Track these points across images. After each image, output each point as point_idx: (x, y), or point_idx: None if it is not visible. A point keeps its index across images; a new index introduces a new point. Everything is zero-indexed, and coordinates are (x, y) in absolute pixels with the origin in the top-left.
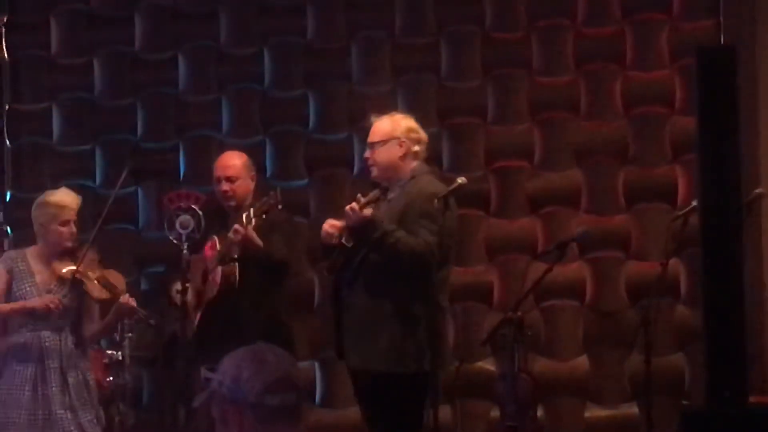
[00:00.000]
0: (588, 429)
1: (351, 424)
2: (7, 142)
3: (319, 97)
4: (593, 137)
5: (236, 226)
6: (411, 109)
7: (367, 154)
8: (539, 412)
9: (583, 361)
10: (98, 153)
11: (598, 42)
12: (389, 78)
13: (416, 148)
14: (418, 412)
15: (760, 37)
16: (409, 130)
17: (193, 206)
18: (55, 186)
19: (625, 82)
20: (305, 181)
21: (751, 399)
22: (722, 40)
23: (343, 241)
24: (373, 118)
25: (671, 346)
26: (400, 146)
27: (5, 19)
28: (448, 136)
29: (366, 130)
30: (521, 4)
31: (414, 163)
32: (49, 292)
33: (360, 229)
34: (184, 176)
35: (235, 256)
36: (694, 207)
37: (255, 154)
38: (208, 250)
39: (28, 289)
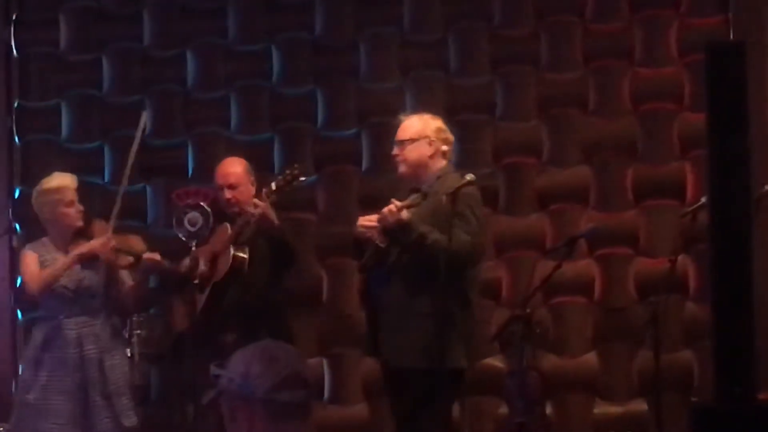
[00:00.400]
0: (597, 425)
1: (359, 420)
2: (16, 139)
3: (328, 94)
4: (602, 133)
5: (255, 200)
6: (419, 106)
7: (396, 151)
8: (548, 409)
9: (591, 358)
10: (107, 150)
11: (607, 38)
12: (397, 75)
13: (444, 147)
14: (450, 408)
15: None
16: (439, 130)
17: (201, 203)
18: None
19: (633, 79)
20: (314, 177)
21: (761, 396)
22: (731, 35)
23: (377, 241)
24: (401, 116)
25: (680, 342)
26: (430, 145)
27: (14, 16)
28: (456, 133)
29: (375, 126)
30: (529, 0)
31: (441, 163)
32: (73, 274)
33: (396, 232)
34: (192, 173)
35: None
36: (703, 203)
37: (263, 151)
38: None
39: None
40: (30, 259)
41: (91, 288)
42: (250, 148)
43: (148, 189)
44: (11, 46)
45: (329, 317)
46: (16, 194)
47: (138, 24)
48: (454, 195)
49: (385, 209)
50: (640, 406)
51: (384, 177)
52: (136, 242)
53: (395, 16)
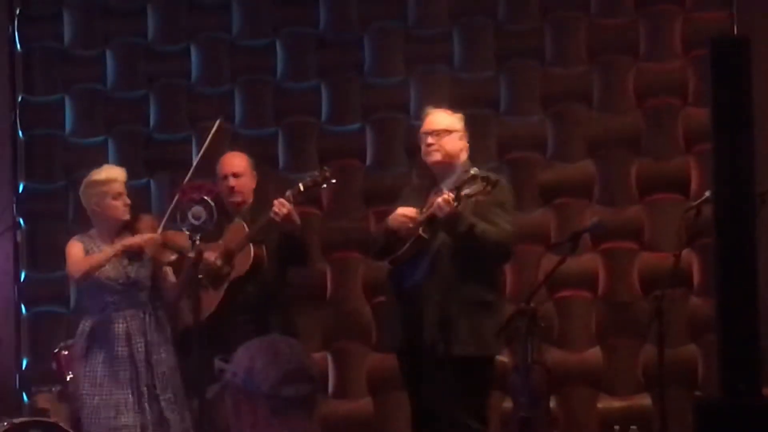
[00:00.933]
0: (601, 420)
1: (364, 414)
2: (20, 134)
3: (332, 89)
4: (606, 128)
5: (281, 200)
6: (424, 100)
7: (432, 140)
8: (552, 403)
9: (596, 352)
10: (111, 144)
11: (611, 33)
12: (402, 69)
13: (467, 143)
14: (488, 396)
15: None
16: (463, 125)
17: (205, 197)
18: (69, 177)
19: (638, 74)
20: (317, 172)
21: (765, 391)
22: (735, 30)
23: (421, 232)
24: (428, 109)
25: (684, 337)
26: (461, 139)
27: (18, 11)
28: None
29: (379, 121)
30: None
31: (465, 157)
32: (121, 267)
33: (449, 223)
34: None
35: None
36: (708, 198)
37: (267, 146)
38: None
39: (105, 268)
40: (75, 248)
41: (138, 281)
42: (255, 142)
43: (152, 183)
44: (15, 40)
45: (333, 312)
46: (20, 189)
47: (142, 18)
48: (458, 189)
49: (440, 199)
50: (645, 400)
51: (388, 172)
52: (182, 238)
53: (400, 11)
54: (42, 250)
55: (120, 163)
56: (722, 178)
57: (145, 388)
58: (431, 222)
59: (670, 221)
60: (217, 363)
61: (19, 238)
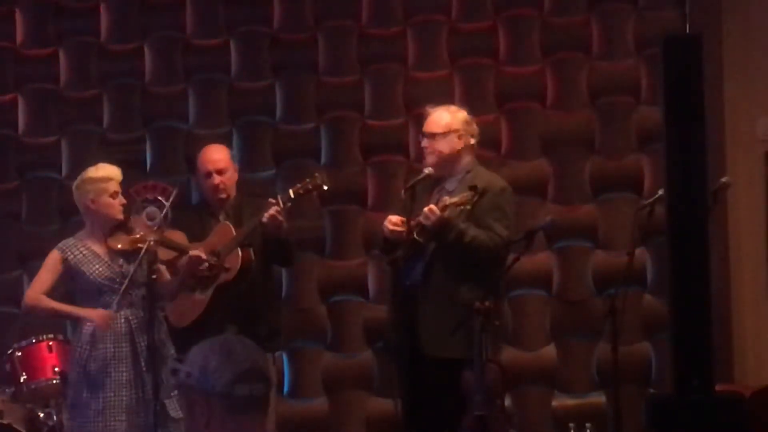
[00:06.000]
0: (556, 418)
1: (319, 414)
2: None
3: (286, 88)
4: (559, 127)
5: (277, 208)
6: (378, 99)
7: (426, 143)
8: (507, 402)
9: (550, 351)
10: (64, 144)
11: (564, 31)
12: (357, 68)
13: (472, 141)
14: None
15: (726, 26)
16: (467, 122)
17: (159, 197)
18: (22, 177)
19: (591, 72)
20: (272, 171)
21: (718, 387)
22: (688, 29)
23: (415, 235)
24: (429, 108)
25: (638, 335)
26: (459, 139)
27: None
28: (414, 128)
29: (334, 121)
30: None
31: (469, 157)
32: (116, 267)
33: (437, 230)
34: (150, 167)
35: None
36: (661, 196)
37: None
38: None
39: (99, 269)
40: (47, 268)
41: (135, 280)
42: (209, 141)
43: None
44: None
45: (289, 311)
46: None
47: (95, 17)
48: (413, 188)
49: (426, 209)
50: (599, 398)
51: (343, 171)
52: (179, 237)
53: (354, 10)
54: None
55: (73, 163)
56: (674, 176)
57: (149, 388)
58: (424, 226)
59: (624, 220)
60: (171, 363)
61: None
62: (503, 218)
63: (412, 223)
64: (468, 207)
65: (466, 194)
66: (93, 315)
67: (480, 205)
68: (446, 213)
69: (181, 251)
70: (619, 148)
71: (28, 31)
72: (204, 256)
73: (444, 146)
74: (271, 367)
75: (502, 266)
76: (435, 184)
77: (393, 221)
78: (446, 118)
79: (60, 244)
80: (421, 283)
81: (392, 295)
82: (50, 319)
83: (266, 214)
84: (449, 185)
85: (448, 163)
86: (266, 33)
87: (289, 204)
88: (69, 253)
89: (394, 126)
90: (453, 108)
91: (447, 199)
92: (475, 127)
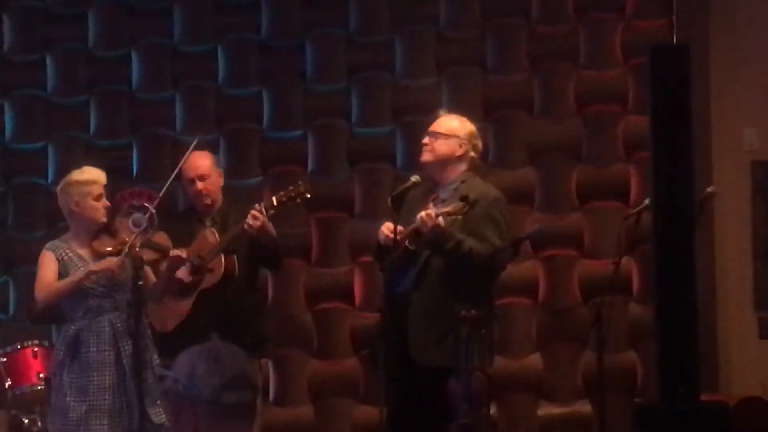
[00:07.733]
0: (541, 426)
1: (305, 421)
2: None
3: (274, 95)
4: (546, 136)
5: (254, 213)
6: (366, 107)
7: (427, 140)
8: (493, 410)
9: (536, 359)
10: (51, 150)
11: (552, 40)
12: (344, 76)
13: (473, 154)
14: None
15: (713, 36)
16: (473, 135)
17: (145, 204)
18: (9, 183)
19: (578, 81)
20: (259, 178)
21: (703, 397)
22: (675, 39)
23: (407, 244)
24: (441, 112)
25: (624, 343)
26: (460, 147)
27: None
28: (402, 135)
29: (321, 128)
30: (475, 2)
31: (464, 167)
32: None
33: (433, 238)
34: (137, 174)
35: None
36: (647, 205)
37: (209, 151)
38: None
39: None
40: (46, 266)
41: (120, 283)
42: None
43: None
44: None
45: (275, 318)
46: None
47: (83, 24)
48: (399, 197)
49: (423, 214)
50: (585, 406)
51: (330, 178)
52: (162, 239)
53: (342, 17)
54: None
55: (60, 169)
56: (661, 186)
57: (132, 393)
58: (418, 234)
59: (610, 228)
60: (158, 369)
61: None
62: (496, 228)
63: (403, 231)
64: (459, 217)
65: (458, 204)
66: (102, 264)
67: (473, 215)
68: (441, 221)
69: (164, 252)
70: (606, 157)
71: (15, 37)
72: (185, 256)
73: (443, 147)
74: (258, 374)
75: (496, 276)
76: (429, 192)
77: (390, 228)
78: (454, 124)
79: (48, 245)
80: (413, 291)
81: (385, 302)
82: (69, 298)
83: (247, 221)
84: (443, 194)
85: (441, 164)
86: (254, 40)
87: (272, 211)
88: (58, 253)
89: (381, 134)
90: (464, 119)
91: (433, 209)
92: (479, 144)
